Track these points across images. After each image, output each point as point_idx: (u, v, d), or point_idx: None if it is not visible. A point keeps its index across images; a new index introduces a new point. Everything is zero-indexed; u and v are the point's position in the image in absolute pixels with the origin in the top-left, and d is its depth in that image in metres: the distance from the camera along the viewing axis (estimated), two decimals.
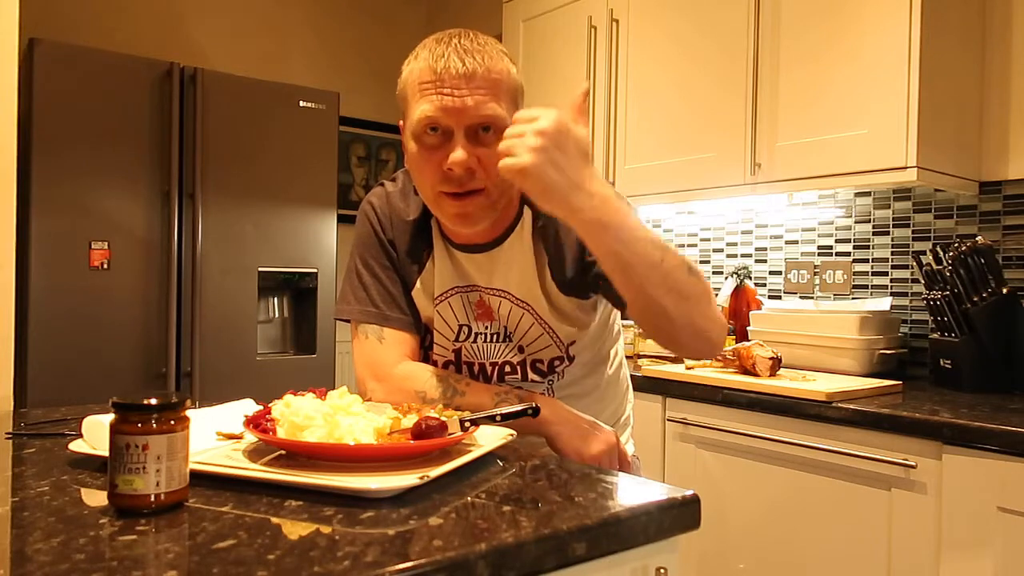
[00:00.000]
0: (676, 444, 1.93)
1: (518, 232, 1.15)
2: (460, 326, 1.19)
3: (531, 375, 1.19)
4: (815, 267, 2.34)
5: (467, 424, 0.90)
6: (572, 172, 0.89)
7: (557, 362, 1.19)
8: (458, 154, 1.01)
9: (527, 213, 1.15)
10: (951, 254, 1.81)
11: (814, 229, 2.35)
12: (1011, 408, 1.56)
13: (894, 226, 2.17)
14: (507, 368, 1.20)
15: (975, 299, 1.77)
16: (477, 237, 1.14)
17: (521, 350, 1.19)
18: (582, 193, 0.89)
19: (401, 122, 1.12)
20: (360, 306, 1.18)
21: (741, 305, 2.34)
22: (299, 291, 2.86)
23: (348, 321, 1.21)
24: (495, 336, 1.18)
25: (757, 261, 2.50)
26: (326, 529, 0.68)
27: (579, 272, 1.12)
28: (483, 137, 1.03)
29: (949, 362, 1.83)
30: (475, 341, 1.19)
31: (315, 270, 2.81)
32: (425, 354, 1.25)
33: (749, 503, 1.77)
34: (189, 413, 0.74)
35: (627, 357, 1.45)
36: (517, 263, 1.15)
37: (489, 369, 1.20)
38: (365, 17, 3.68)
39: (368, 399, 1.14)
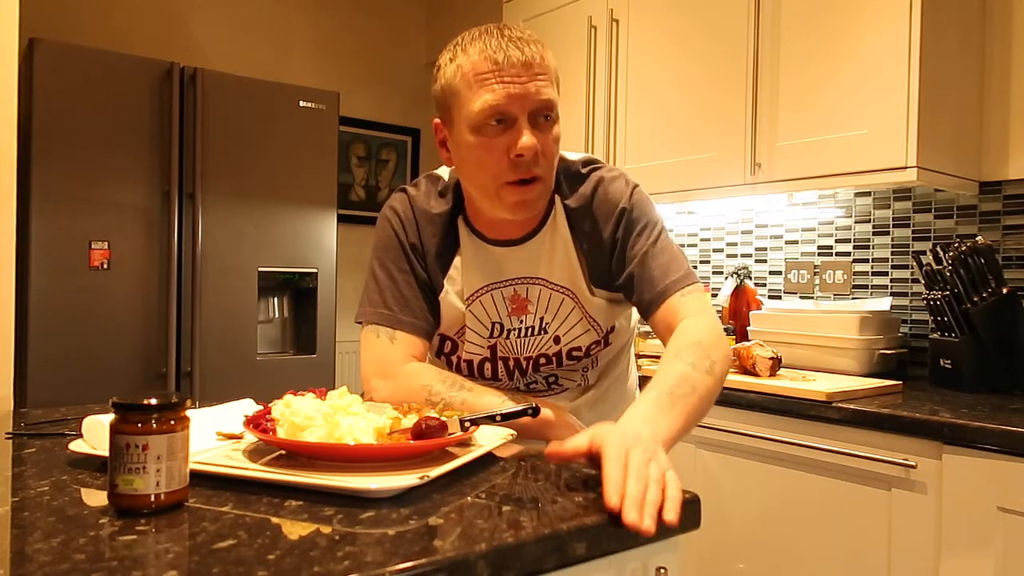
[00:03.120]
0: (676, 444, 1.92)
1: (552, 221, 1.16)
2: (493, 323, 1.19)
3: (566, 361, 1.21)
4: (815, 267, 2.34)
5: (467, 424, 0.90)
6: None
7: (594, 347, 1.21)
8: (527, 139, 1.03)
9: (558, 202, 1.16)
10: (951, 254, 1.81)
11: (814, 229, 2.35)
12: (1011, 408, 1.55)
13: (894, 226, 2.17)
14: (542, 360, 1.21)
15: (975, 299, 1.77)
16: (512, 231, 1.15)
17: (557, 340, 1.19)
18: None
19: (437, 121, 1.12)
20: (373, 308, 1.18)
21: (741, 305, 2.34)
22: (299, 291, 2.86)
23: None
24: (529, 330, 1.19)
25: (757, 261, 2.50)
26: (326, 529, 0.68)
27: (612, 269, 1.15)
28: (542, 124, 1.05)
29: (949, 362, 1.83)
30: (507, 337, 1.20)
31: (315, 270, 2.81)
32: (447, 360, 1.25)
33: (749, 503, 1.77)
34: (189, 413, 0.74)
35: None
36: (555, 251, 1.16)
37: (524, 363, 1.22)
38: (365, 17, 3.68)
39: (369, 398, 1.14)
